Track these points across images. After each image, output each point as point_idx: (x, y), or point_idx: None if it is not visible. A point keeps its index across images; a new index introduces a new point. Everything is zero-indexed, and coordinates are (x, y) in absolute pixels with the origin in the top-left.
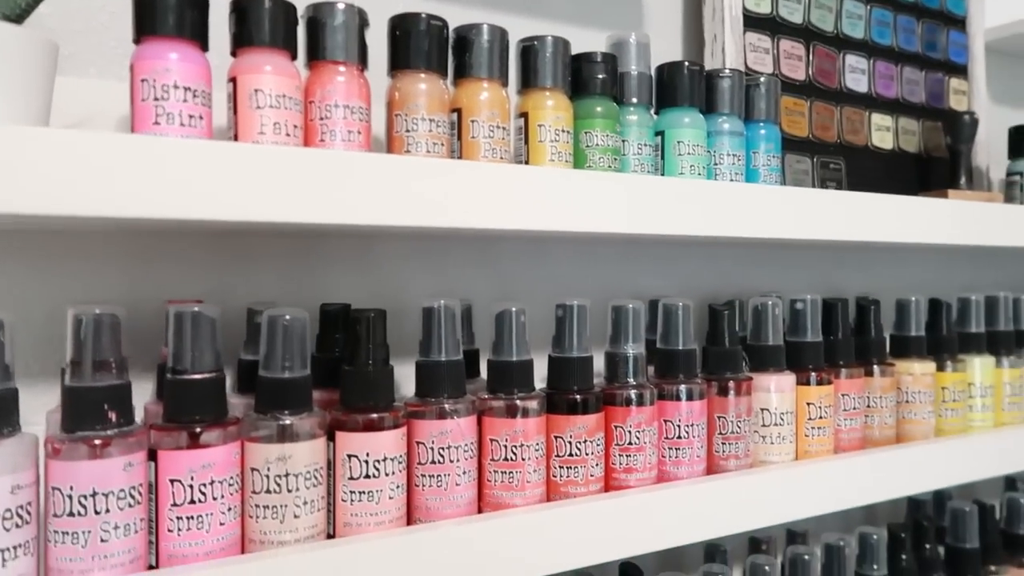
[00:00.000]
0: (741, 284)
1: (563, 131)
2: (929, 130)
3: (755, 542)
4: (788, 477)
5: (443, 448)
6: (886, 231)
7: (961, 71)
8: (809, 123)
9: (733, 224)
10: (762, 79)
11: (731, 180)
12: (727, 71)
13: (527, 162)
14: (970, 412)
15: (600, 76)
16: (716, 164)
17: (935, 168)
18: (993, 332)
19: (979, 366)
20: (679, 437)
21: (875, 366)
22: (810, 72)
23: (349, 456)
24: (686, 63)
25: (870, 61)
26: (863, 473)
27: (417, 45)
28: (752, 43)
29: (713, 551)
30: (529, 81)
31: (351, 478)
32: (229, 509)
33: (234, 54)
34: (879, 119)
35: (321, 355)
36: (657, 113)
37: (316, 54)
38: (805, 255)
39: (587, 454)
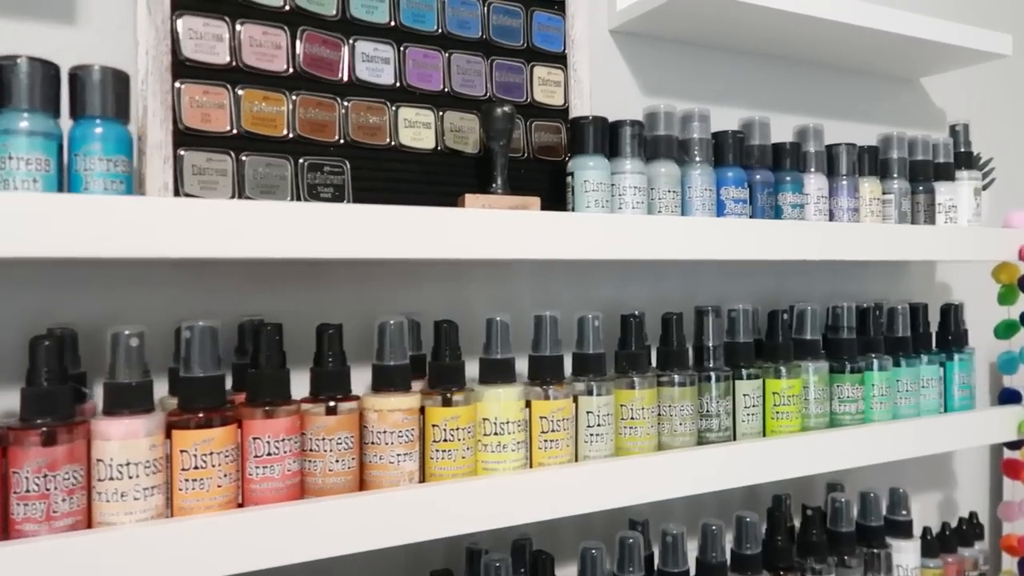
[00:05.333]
0: (250, 308)
1: None
2: None
3: None
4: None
5: None
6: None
7: (555, 59)
8: (290, 120)
9: None
10: (96, 67)
11: (28, 187)
12: (15, 57)
13: None
14: (485, 452)
15: None
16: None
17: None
18: (537, 357)
19: (494, 399)
20: None
21: (332, 403)
22: (296, 62)
23: None
24: None
25: (398, 49)
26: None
27: None
28: (194, 29)
29: None
30: None
31: None
32: None
33: None
34: (412, 114)
35: None
36: None
37: None
38: (345, 273)
39: None
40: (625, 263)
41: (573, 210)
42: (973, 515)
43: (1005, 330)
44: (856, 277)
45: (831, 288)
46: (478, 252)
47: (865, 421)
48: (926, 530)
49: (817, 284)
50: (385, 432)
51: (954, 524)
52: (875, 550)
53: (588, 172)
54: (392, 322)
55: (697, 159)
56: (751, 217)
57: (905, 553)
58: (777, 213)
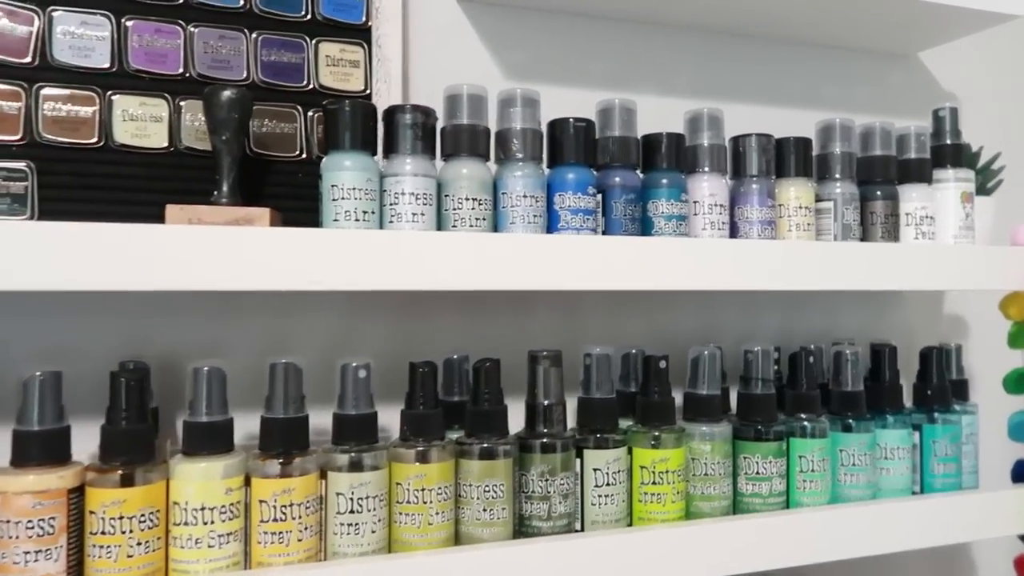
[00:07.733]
0: None
1: None
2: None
3: None
4: None
5: None
6: None
7: (353, 33)
8: None
9: None
10: None
11: None
12: None
13: None
14: (175, 548)
15: None
16: None
17: (282, 171)
18: (268, 419)
19: (189, 476)
20: None
21: None
22: None
23: None
24: None
25: (116, 21)
26: None
27: None
28: None
29: None
30: None
31: None
32: None
33: None
34: (134, 105)
35: None
36: None
37: None
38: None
39: None
40: (487, 293)
41: (321, 225)
42: None
43: (1015, 383)
44: (823, 311)
45: (782, 325)
46: (179, 282)
47: (789, 506)
48: None
49: (765, 320)
50: (8, 522)
51: None
52: None
53: (341, 175)
54: (38, 374)
55: (518, 157)
56: (604, 232)
57: None
58: (646, 227)
